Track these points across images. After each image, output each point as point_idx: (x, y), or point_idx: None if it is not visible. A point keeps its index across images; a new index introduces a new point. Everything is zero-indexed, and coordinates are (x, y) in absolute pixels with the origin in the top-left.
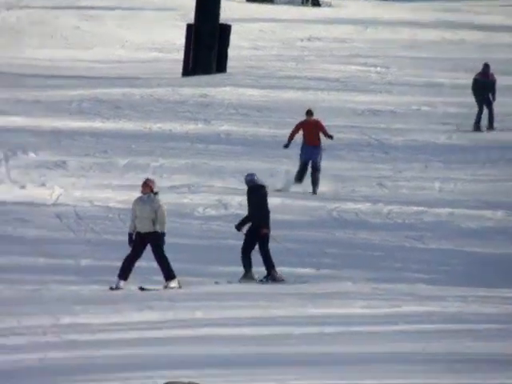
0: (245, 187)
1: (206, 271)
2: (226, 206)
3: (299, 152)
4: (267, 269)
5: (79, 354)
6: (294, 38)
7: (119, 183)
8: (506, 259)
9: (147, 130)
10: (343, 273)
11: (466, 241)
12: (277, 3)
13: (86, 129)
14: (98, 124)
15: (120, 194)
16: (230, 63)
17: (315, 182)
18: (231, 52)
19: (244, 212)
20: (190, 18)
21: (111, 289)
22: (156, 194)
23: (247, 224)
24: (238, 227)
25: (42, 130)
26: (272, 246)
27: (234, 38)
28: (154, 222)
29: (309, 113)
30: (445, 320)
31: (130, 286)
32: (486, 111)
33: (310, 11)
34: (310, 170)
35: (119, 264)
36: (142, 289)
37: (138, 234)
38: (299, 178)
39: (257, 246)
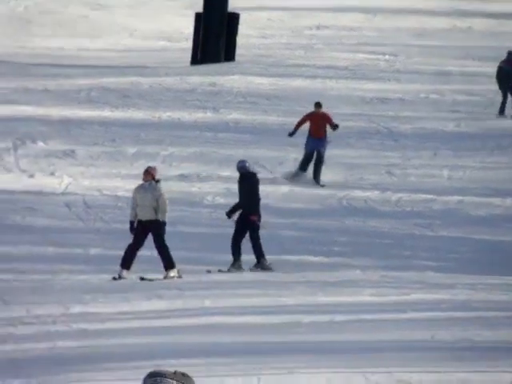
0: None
1: (215, 259)
2: (234, 195)
3: (305, 142)
4: (257, 257)
5: (89, 342)
6: (302, 26)
7: (128, 172)
8: None
9: (156, 118)
10: (353, 261)
11: (474, 228)
12: None
13: (95, 118)
14: (106, 113)
15: (129, 183)
16: (238, 52)
17: (317, 173)
18: (239, 40)
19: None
20: (199, 6)
21: (114, 279)
22: (158, 181)
23: (238, 211)
24: (229, 214)
25: (51, 119)
26: (279, 234)
27: (242, 27)
28: (155, 210)
29: (318, 105)
30: (454, 308)
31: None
32: (510, 99)
33: None
34: (313, 161)
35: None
36: (142, 279)
37: (140, 222)
38: (303, 167)
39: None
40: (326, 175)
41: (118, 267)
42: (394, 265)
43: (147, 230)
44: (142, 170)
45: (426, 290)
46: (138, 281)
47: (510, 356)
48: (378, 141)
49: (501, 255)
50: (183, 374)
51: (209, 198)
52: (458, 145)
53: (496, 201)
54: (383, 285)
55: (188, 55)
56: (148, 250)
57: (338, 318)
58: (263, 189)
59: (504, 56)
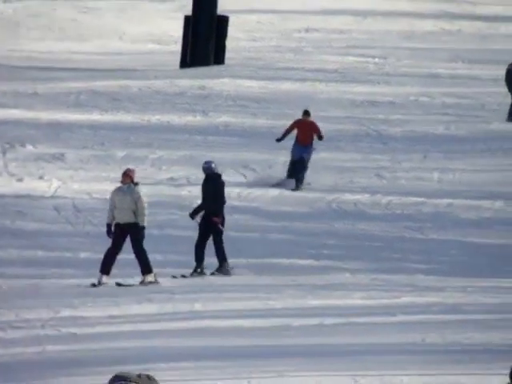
0: (243, 179)
1: (205, 263)
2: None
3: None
4: (219, 261)
5: (78, 347)
6: (291, 29)
7: (117, 175)
8: (505, 249)
9: (145, 122)
10: (342, 264)
11: (465, 231)
12: None
13: (84, 121)
14: (96, 116)
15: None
16: (227, 55)
17: (299, 179)
18: (229, 44)
19: (242, 203)
20: (188, 9)
21: (93, 285)
22: (136, 184)
23: (200, 212)
24: (192, 215)
25: (40, 122)
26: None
27: (231, 30)
28: (134, 213)
29: (306, 113)
30: (444, 311)
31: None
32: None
33: (307, 2)
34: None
35: (125, 257)
36: (118, 284)
37: (118, 225)
38: (291, 175)
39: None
40: (315, 178)
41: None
42: (384, 268)
43: (126, 233)
44: None
45: (416, 292)
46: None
47: (500, 359)
48: (367, 144)
49: (491, 258)
50: (148, 377)
51: (198, 201)
52: (448, 147)
53: (486, 203)
54: (373, 288)
55: (177, 58)
56: (127, 254)
57: (328, 321)
58: (252, 192)
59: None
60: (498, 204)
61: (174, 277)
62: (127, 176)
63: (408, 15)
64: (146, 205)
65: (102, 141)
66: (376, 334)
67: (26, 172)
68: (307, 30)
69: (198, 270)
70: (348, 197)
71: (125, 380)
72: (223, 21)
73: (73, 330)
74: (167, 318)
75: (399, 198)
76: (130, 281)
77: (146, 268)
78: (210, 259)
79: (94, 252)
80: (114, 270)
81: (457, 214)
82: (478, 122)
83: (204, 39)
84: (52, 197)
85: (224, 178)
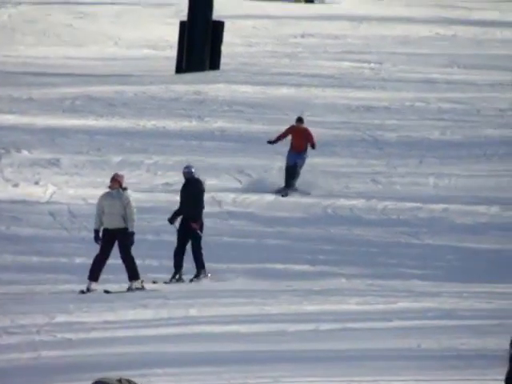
0: (238, 184)
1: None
2: (220, 203)
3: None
4: (197, 268)
5: (73, 352)
6: (287, 34)
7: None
8: (501, 254)
9: (141, 127)
10: (338, 269)
11: (460, 236)
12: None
13: (80, 126)
14: (91, 122)
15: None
16: (223, 60)
17: (290, 185)
18: (224, 49)
19: (237, 208)
20: (183, 14)
21: (82, 292)
22: (125, 189)
23: (179, 217)
24: (171, 220)
25: (36, 127)
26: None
27: (227, 35)
28: (124, 219)
29: (299, 120)
30: (440, 316)
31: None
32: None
33: (303, 8)
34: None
35: (113, 262)
36: (106, 291)
37: (106, 230)
38: (288, 184)
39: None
40: (311, 183)
41: (104, 276)
42: (380, 273)
43: (114, 238)
44: (126, 179)
45: (412, 298)
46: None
47: (496, 364)
48: (363, 149)
49: (487, 263)
50: (129, 382)
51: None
52: (444, 153)
53: (482, 209)
54: (369, 293)
55: (173, 64)
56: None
57: (324, 326)
58: (248, 197)
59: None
60: (494, 209)
61: (155, 282)
62: (116, 181)
63: (403, 20)
64: (135, 210)
65: (98, 146)
66: (372, 339)
67: (22, 177)
68: (303, 36)
69: (177, 276)
70: (344, 202)
71: None
72: (219, 26)
73: (68, 335)
74: (162, 323)
75: (395, 204)
76: (117, 288)
77: (133, 274)
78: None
79: (90, 257)
80: (105, 276)
81: (452, 220)
82: (473, 127)
83: (199, 44)
84: (47, 202)
85: (219, 183)
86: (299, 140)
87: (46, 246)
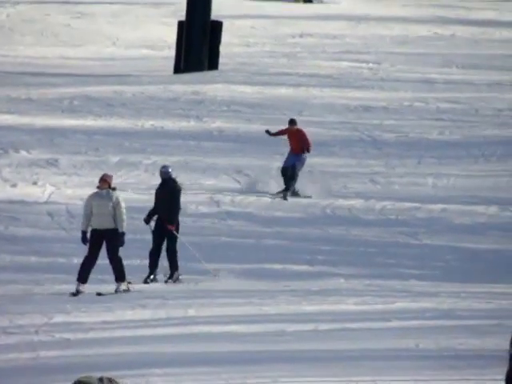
0: (237, 184)
1: (198, 268)
2: (218, 203)
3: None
4: (171, 269)
5: (72, 352)
6: (285, 34)
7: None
8: (499, 255)
9: (139, 127)
10: (336, 269)
11: (459, 236)
12: None
13: (78, 127)
14: (89, 122)
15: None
16: (221, 60)
17: (288, 188)
18: (223, 49)
19: (236, 209)
20: (182, 14)
21: (73, 295)
22: (114, 189)
23: (154, 216)
24: (147, 221)
25: (34, 128)
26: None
27: (225, 35)
28: (113, 219)
29: (291, 122)
30: (438, 316)
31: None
32: None
33: (301, 7)
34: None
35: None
36: (99, 294)
37: (95, 231)
38: (288, 186)
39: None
40: (309, 184)
41: (102, 276)
42: (378, 273)
43: (102, 239)
44: (125, 179)
45: (410, 298)
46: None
47: (494, 364)
48: (361, 149)
49: (485, 263)
50: (110, 380)
51: (192, 207)
52: (442, 153)
53: (480, 209)
54: (367, 293)
55: (171, 64)
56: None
57: (322, 326)
58: (246, 197)
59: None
60: (492, 209)
61: (129, 282)
62: (105, 181)
63: (402, 20)
64: (124, 210)
65: (96, 146)
66: (370, 339)
67: (20, 177)
68: (301, 36)
69: (151, 276)
70: (342, 202)
71: None
72: (217, 26)
73: (66, 335)
74: (161, 323)
75: (393, 204)
76: (110, 289)
77: (120, 275)
78: (211, 265)
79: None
80: (101, 277)
81: (451, 220)
82: (472, 127)
83: (198, 44)
84: (46, 202)
85: (218, 183)
86: (295, 142)
87: (44, 246)
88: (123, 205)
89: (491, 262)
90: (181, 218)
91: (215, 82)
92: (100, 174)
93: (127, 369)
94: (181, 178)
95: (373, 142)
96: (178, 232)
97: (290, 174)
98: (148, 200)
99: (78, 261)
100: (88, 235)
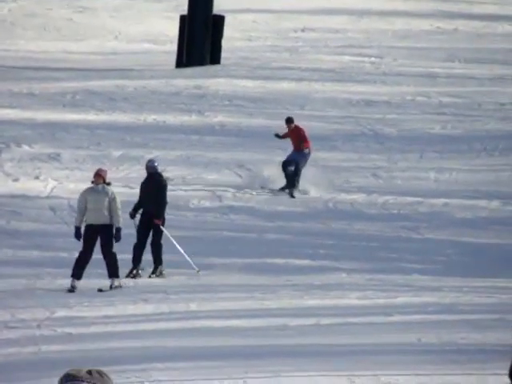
0: (238, 179)
1: (201, 263)
2: (220, 198)
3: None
4: (154, 262)
5: (74, 347)
6: (287, 28)
7: (113, 175)
8: (501, 249)
9: (141, 121)
10: (339, 264)
11: (461, 231)
12: None
13: (80, 121)
14: (91, 116)
15: (114, 187)
16: (223, 54)
17: (293, 185)
18: (225, 43)
19: (238, 203)
20: (184, 9)
21: (70, 291)
22: (109, 184)
23: (139, 210)
24: (133, 215)
25: (36, 122)
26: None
27: (227, 29)
28: (110, 214)
29: (288, 121)
30: (440, 310)
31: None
32: None
33: (303, 2)
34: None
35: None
36: (100, 290)
37: (90, 226)
38: (292, 182)
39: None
40: (311, 178)
41: (104, 271)
42: (381, 268)
43: (97, 234)
44: (127, 174)
45: (412, 292)
46: (128, 284)
47: (496, 358)
48: (364, 143)
49: (487, 257)
50: (99, 373)
51: (194, 201)
52: (445, 147)
53: (482, 203)
54: (369, 288)
55: (173, 58)
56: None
57: (324, 321)
58: (248, 192)
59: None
60: (494, 204)
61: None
62: (100, 176)
63: (404, 14)
64: (120, 205)
65: (98, 141)
66: (372, 333)
67: (22, 172)
68: (303, 30)
69: (134, 271)
70: (344, 197)
71: (76, 380)
72: (219, 20)
73: (68, 330)
74: (163, 317)
75: (395, 198)
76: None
77: (114, 272)
78: (213, 260)
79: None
80: (102, 271)
81: (453, 214)
82: (474, 121)
83: (200, 39)
84: (48, 197)
85: (220, 177)
86: (295, 140)
87: (46, 240)
88: (119, 200)
89: (493, 257)
90: (183, 213)
91: (217, 76)
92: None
93: (129, 363)
94: (183, 172)
95: (375, 136)
96: (163, 226)
97: (293, 170)
98: None
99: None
100: (82, 230)
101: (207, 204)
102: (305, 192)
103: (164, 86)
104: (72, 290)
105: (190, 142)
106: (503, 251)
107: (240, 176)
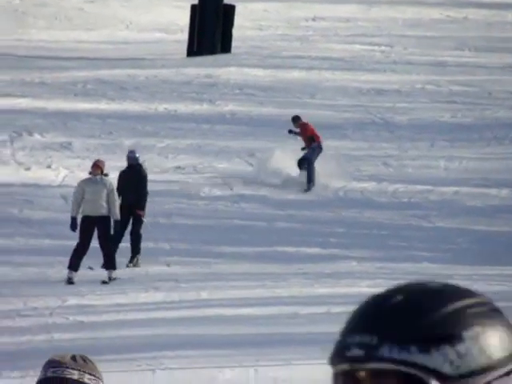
0: (249, 168)
1: (212, 251)
2: (231, 187)
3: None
4: (133, 252)
5: (86, 334)
6: (298, 17)
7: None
8: (511, 237)
9: (152, 110)
10: (349, 252)
11: (471, 219)
12: None
13: (92, 110)
14: (103, 105)
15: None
16: (234, 43)
17: (309, 180)
18: (235, 32)
19: (248, 192)
20: None
21: (69, 283)
22: (106, 175)
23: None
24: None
25: (48, 111)
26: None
27: (238, 18)
28: (108, 205)
29: (293, 120)
30: None
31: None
32: None
33: None
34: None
35: (125, 245)
36: (104, 282)
37: (88, 217)
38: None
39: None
40: (321, 166)
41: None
42: (391, 256)
43: (94, 225)
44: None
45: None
46: (140, 272)
47: None
48: (374, 132)
49: (497, 246)
50: (84, 359)
51: (205, 189)
52: (455, 136)
53: (492, 191)
54: (380, 276)
55: (184, 47)
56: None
57: (335, 309)
58: (259, 181)
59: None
60: (505, 192)
61: (91, 268)
62: (98, 167)
63: (414, 3)
64: (117, 197)
65: (110, 130)
66: None
67: (34, 161)
68: (314, 19)
69: (134, 260)
70: (355, 185)
71: (60, 367)
72: (230, 9)
73: (80, 318)
74: (174, 306)
75: (406, 186)
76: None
77: (112, 263)
78: (224, 248)
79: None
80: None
81: (463, 202)
82: (484, 109)
83: (210, 28)
84: (59, 185)
85: (230, 166)
86: (303, 137)
87: (58, 229)
88: (116, 192)
89: (503, 245)
90: (194, 201)
91: (228, 65)
92: (114, 157)
93: (140, 351)
94: (194, 160)
95: (385, 124)
96: (143, 217)
97: (306, 168)
98: (161, 183)
99: (91, 244)
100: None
101: (218, 192)
102: (325, 186)
103: (175, 75)
104: (71, 281)
105: (201, 130)
106: None
107: (251, 164)
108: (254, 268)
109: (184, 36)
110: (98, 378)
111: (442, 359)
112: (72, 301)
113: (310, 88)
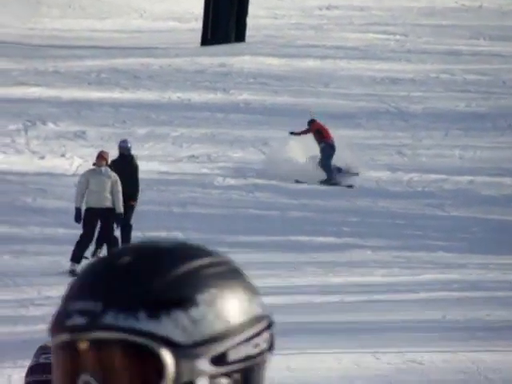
0: (261, 156)
1: (225, 241)
2: (245, 176)
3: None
4: (122, 241)
5: None
6: (312, 6)
7: (138, 153)
8: None
9: (166, 99)
10: (364, 241)
11: (485, 208)
12: None
13: (105, 99)
14: (116, 94)
15: (139, 164)
16: (248, 32)
17: (327, 175)
18: (250, 21)
19: (262, 181)
20: None
21: (73, 274)
22: (110, 167)
23: None
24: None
25: (62, 100)
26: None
27: (252, 7)
28: (112, 197)
29: (309, 123)
30: (465, 287)
31: None
32: None
33: None
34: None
35: (139, 234)
36: None
37: (91, 209)
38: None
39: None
40: (336, 156)
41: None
42: (406, 245)
43: (97, 217)
44: (152, 152)
45: (437, 270)
46: None
47: None
48: (388, 121)
49: (511, 235)
50: None
51: (219, 179)
52: (469, 125)
53: (507, 180)
54: (394, 265)
55: (198, 36)
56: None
57: (349, 298)
58: (273, 170)
59: None
60: None
61: (85, 257)
62: (102, 158)
63: None
64: (120, 188)
65: (123, 119)
66: (397, 310)
67: (48, 150)
68: (328, 8)
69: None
70: (369, 174)
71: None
72: None
73: None
74: None
75: (420, 176)
76: None
77: None
78: (238, 237)
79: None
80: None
81: (478, 191)
82: (498, 98)
83: (225, 16)
84: (73, 174)
85: (244, 155)
86: (314, 136)
87: (72, 218)
88: (120, 183)
89: None
90: (208, 191)
91: (242, 54)
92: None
93: None
94: (208, 150)
95: (400, 113)
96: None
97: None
98: (175, 172)
99: None
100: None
101: (232, 181)
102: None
103: (189, 63)
104: (74, 274)
105: (215, 119)
106: None
107: (265, 154)
108: (268, 257)
109: (198, 25)
110: None
111: (173, 325)
112: None
113: (325, 77)
